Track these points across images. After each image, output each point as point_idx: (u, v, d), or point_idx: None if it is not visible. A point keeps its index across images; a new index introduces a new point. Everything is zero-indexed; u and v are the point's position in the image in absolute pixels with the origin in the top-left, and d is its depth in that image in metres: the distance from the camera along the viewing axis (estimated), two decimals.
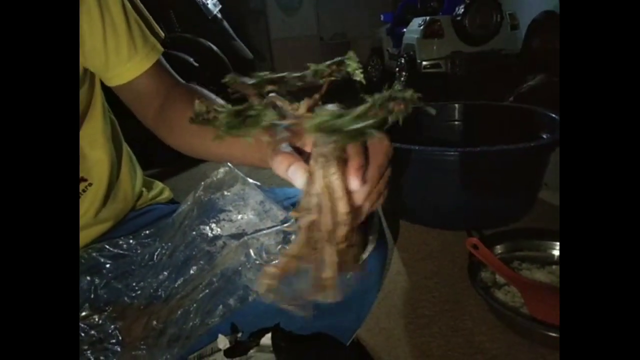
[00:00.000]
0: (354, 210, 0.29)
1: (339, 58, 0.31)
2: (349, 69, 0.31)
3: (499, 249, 0.91)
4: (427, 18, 3.24)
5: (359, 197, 0.30)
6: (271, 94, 0.30)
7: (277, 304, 0.30)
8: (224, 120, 0.28)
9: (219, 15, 2.41)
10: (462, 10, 3.08)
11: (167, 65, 0.58)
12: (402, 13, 4.01)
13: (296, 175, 0.30)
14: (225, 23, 2.46)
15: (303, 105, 0.30)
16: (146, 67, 0.54)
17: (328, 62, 0.31)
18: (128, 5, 0.54)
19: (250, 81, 0.30)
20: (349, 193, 0.29)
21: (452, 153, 0.99)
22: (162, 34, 0.58)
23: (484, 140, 1.00)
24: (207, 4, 2.30)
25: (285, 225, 0.57)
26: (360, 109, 0.26)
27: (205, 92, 0.56)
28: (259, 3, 4.83)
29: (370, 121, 0.25)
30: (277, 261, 0.29)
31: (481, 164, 1.03)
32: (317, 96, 0.30)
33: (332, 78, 0.31)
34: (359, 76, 0.30)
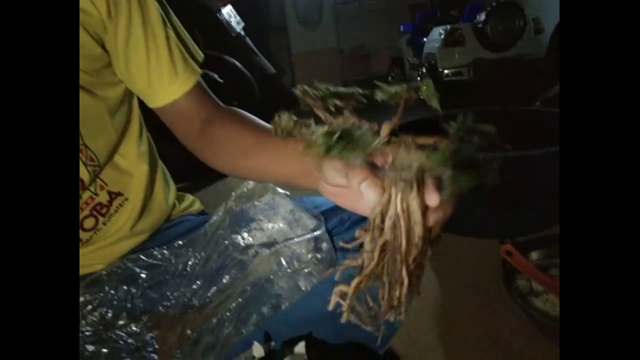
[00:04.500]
0: (428, 233, 0.30)
1: (415, 83, 0.31)
2: (424, 95, 0.31)
3: (534, 255, 0.88)
4: (448, 27, 3.23)
5: (433, 219, 0.30)
6: (345, 112, 0.30)
7: (351, 321, 0.30)
8: (321, 141, 0.27)
9: (242, 33, 2.48)
10: (484, 17, 3.05)
11: (207, 88, 0.60)
12: (421, 23, 4.01)
13: (369, 191, 0.30)
14: (248, 40, 2.53)
15: (385, 129, 0.30)
16: (185, 90, 0.56)
17: (405, 86, 0.31)
18: (170, 31, 0.56)
19: (317, 94, 0.30)
20: (424, 217, 0.29)
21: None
22: (202, 56, 0.60)
23: (515, 145, 0.97)
24: (231, 22, 2.37)
25: (316, 233, 0.57)
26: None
27: (248, 115, 0.58)
28: (280, 19, 4.93)
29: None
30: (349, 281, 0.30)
31: (512, 169, 1.00)
32: (396, 120, 0.30)
33: (405, 98, 0.31)
34: (434, 102, 0.31)
